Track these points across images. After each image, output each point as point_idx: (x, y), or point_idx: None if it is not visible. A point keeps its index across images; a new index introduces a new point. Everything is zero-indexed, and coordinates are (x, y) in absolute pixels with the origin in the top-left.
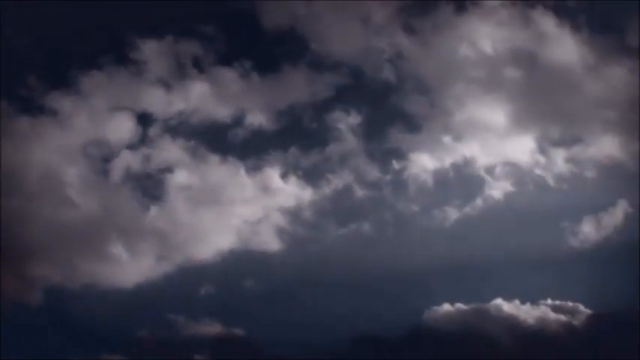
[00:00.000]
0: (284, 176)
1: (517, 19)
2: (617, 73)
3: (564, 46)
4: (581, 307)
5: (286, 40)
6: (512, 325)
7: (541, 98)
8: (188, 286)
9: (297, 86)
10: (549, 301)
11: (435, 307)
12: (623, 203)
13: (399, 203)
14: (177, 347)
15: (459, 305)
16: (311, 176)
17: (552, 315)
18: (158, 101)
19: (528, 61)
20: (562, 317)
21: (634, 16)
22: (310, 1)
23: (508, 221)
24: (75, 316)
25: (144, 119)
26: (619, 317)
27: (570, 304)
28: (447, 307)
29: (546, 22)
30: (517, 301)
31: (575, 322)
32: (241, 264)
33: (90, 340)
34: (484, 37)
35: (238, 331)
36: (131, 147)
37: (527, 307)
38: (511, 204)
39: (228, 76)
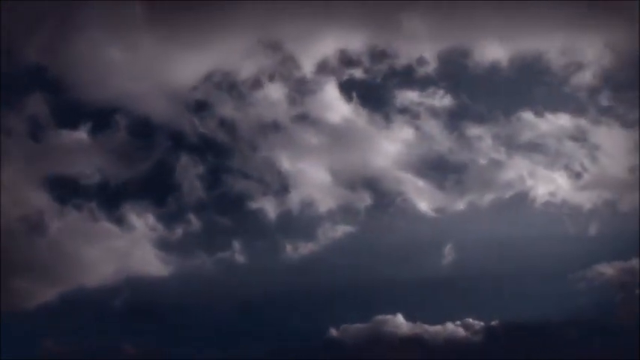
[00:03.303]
0: (146, 219)
1: (305, 87)
2: (401, 137)
3: (345, 114)
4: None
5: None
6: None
7: (344, 159)
8: (84, 308)
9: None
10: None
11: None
12: (450, 245)
13: (251, 240)
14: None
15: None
16: (170, 217)
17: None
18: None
19: (323, 126)
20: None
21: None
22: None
23: (352, 256)
24: None
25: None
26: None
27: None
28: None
29: (331, 91)
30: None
31: (462, 332)
32: (133, 289)
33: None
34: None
35: (146, 348)
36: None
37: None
38: (352, 242)
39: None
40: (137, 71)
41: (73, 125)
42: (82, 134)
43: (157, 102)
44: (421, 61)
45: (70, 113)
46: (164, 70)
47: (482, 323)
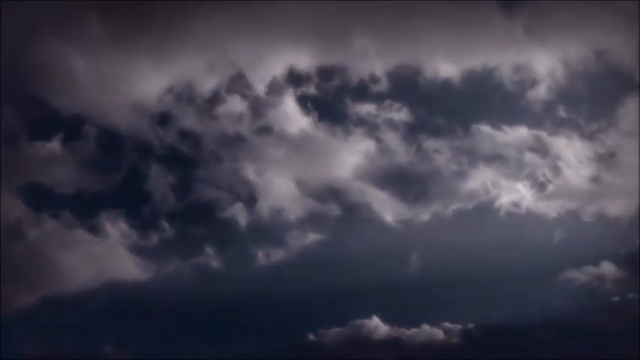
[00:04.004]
0: (120, 226)
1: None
2: (362, 149)
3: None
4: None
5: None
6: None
7: (308, 171)
8: (64, 312)
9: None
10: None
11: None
12: (416, 254)
13: (223, 247)
14: None
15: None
16: (144, 225)
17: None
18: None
19: (284, 139)
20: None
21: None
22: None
23: (322, 264)
24: None
25: None
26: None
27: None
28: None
29: (289, 106)
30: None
31: (439, 335)
32: (111, 293)
33: None
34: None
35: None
36: None
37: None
38: (321, 251)
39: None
40: (103, 86)
41: (46, 137)
42: (55, 145)
43: (124, 115)
44: (373, 79)
45: (43, 126)
46: (129, 84)
47: (458, 326)
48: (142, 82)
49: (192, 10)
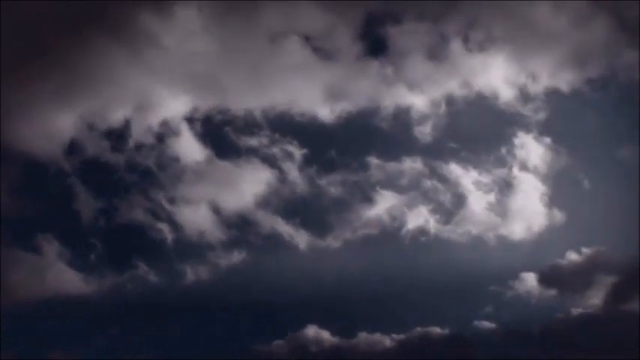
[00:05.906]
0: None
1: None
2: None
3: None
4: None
5: None
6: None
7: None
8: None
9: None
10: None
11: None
12: (336, 275)
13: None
14: None
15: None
16: (78, 245)
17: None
18: None
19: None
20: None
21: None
22: None
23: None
24: None
25: None
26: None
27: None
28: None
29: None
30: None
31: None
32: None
33: None
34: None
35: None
36: None
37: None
38: (247, 269)
39: None
40: (18, 115)
41: None
42: None
43: (41, 144)
44: (255, 123)
45: None
46: (41, 115)
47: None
48: (54, 113)
49: (94, 47)
